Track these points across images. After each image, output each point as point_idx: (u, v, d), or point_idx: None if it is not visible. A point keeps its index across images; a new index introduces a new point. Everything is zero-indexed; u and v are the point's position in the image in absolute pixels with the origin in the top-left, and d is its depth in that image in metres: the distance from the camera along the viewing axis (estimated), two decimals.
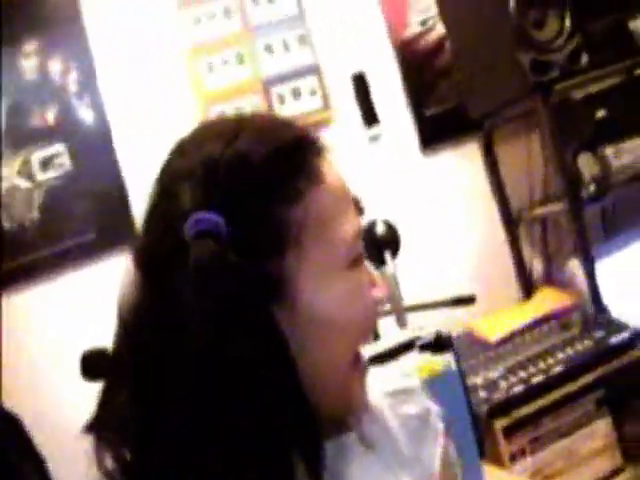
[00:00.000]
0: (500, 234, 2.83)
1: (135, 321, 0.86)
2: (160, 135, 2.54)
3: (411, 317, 2.15)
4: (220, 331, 0.78)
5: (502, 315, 2.55)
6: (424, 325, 2.12)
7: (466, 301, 2.50)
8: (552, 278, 2.79)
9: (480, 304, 2.43)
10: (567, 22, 2.42)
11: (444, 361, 1.89)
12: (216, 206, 0.81)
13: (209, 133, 0.90)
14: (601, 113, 2.48)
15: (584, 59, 2.43)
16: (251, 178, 0.84)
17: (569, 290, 2.58)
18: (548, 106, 2.43)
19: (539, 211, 2.76)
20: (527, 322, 2.42)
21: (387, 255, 2.20)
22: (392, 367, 1.63)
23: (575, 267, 2.59)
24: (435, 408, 1.09)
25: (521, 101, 2.52)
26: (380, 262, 2.18)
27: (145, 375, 0.84)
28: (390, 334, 1.95)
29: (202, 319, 0.78)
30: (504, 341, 2.37)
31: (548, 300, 2.55)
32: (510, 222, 2.81)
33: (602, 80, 2.56)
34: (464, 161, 2.88)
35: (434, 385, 1.78)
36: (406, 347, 1.99)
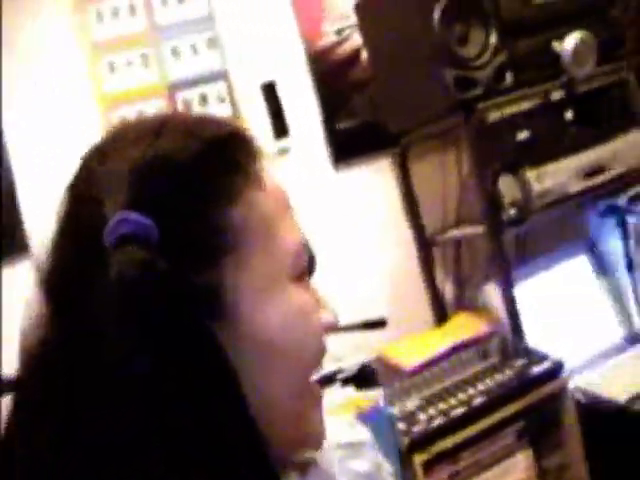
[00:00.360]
0: (413, 255, 2.73)
1: (43, 361, 0.72)
2: (57, 140, 2.34)
3: None
4: (151, 359, 0.65)
5: (416, 341, 2.44)
6: (342, 355, 2.00)
7: (377, 324, 2.40)
8: (466, 303, 2.71)
9: (392, 328, 2.34)
10: (492, 39, 2.34)
11: (371, 397, 1.78)
12: (142, 209, 0.68)
13: (130, 134, 0.78)
14: (523, 135, 2.41)
15: (508, 78, 2.36)
16: (179, 177, 0.73)
17: (485, 315, 2.50)
18: (470, 125, 2.34)
19: (454, 233, 2.68)
20: (444, 349, 2.31)
21: None
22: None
23: (491, 292, 2.51)
24: (386, 465, 0.97)
25: (442, 118, 2.43)
26: None
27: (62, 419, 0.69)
28: None
29: (127, 344, 0.65)
30: (420, 369, 2.25)
31: (464, 326, 2.46)
32: (423, 243, 2.71)
33: (525, 101, 2.50)
34: (377, 178, 2.76)
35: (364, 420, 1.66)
36: (327, 381, 1.86)
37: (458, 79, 2.28)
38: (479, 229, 2.45)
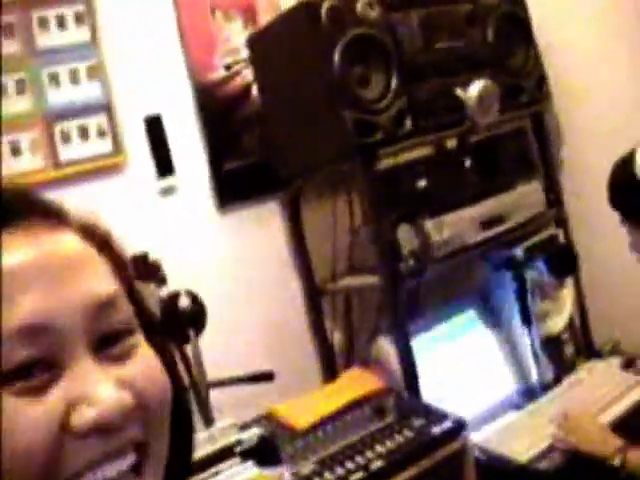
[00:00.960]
0: (302, 305, 2.60)
1: None
2: None
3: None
4: None
5: (308, 398, 2.29)
6: (232, 423, 1.84)
7: (264, 377, 2.26)
8: (358, 357, 2.59)
9: (281, 384, 2.21)
10: (393, 82, 2.26)
11: (274, 477, 1.62)
12: None
13: None
14: (423, 182, 2.33)
15: (408, 124, 2.28)
16: None
17: (378, 371, 2.38)
18: (368, 171, 2.24)
19: (345, 282, 2.56)
20: (338, 407, 2.18)
21: (191, 332, 1.93)
22: None
23: (385, 345, 2.41)
24: None
25: (338, 163, 2.32)
26: (182, 340, 1.90)
27: None
28: (201, 436, 1.64)
29: None
30: (313, 429, 2.11)
31: (357, 382, 2.32)
32: (313, 293, 2.58)
33: (425, 147, 2.43)
34: (266, 223, 2.62)
35: None
36: (225, 453, 1.68)
37: (358, 122, 2.17)
38: (374, 279, 2.35)
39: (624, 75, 2.61)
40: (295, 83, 2.35)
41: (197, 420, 1.78)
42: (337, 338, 2.64)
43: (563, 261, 2.30)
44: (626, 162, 1.88)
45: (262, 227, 2.61)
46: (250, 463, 1.66)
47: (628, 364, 2.52)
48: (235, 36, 2.66)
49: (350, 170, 2.34)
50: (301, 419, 2.15)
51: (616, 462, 1.89)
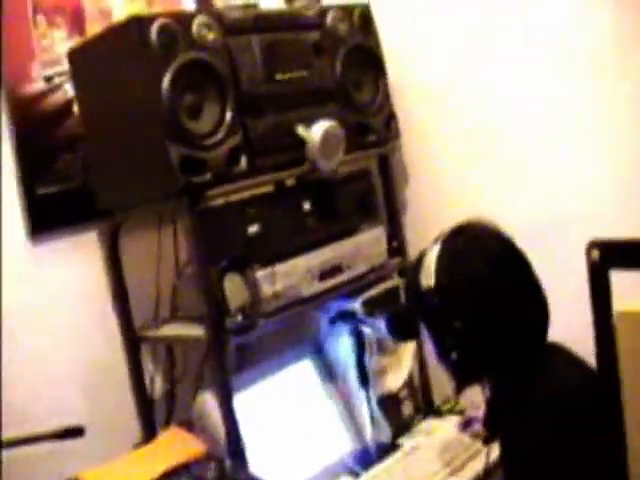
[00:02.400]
0: (119, 353, 2.33)
1: None
2: None
3: None
4: None
5: (120, 464, 2.04)
6: None
7: (73, 433, 2.00)
8: (180, 412, 2.35)
9: (92, 445, 1.96)
10: (228, 115, 2.03)
11: None
12: None
13: None
14: (255, 228, 2.11)
15: (243, 163, 2.05)
16: None
17: (200, 431, 2.15)
18: (194, 213, 2.00)
19: (167, 331, 2.31)
20: (154, 476, 1.94)
21: None
22: None
23: (209, 403, 2.18)
24: None
25: (162, 201, 2.08)
26: None
27: None
28: None
29: None
30: None
31: (176, 445, 2.09)
32: (131, 340, 2.32)
33: (260, 189, 2.20)
34: (83, 254, 2.33)
35: None
36: None
37: (185, 159, 1.93)
38: (199, 331, 2.12)
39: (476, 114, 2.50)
40: (119, 107, 2.08)
41: None
42: (158, 392, 2.39)
43: (405, 324, 2.14)
44: (416, 267, 1.76)
45: (80, 259, 2.33)
46: None
47: (466, 425, 2.39)
48: (58, 45, 2.36)
49: (175, 210, 2.10)
50: None
51: None
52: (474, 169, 2.52)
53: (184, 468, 2.00)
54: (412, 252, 2.56)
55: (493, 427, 1.78)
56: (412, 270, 1.80)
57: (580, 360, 1.73)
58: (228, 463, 2.01)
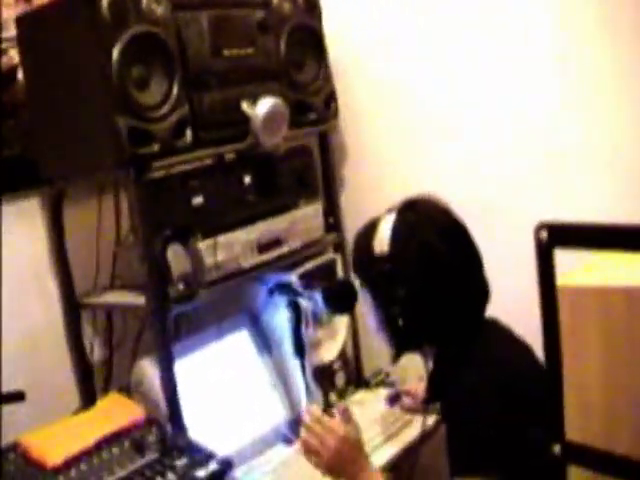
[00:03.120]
0: (58, 319, 2.35)
1: None
2: None
3: None
4: None
5: (61, 427, 2.07)
6: None
7: (13, 398, 2.02)
8: (118, 379, 2.38)
9: (33, 406, 1.98)
10: (175, 88, 2.06)
11: None
12: None
13: None
14: (198, 200, 2.15)
15: (188, 136, 2.09)
16: None
17: (140, 397, 2.19)
18: (140, 184, 2.03)
19: (108, 298, 2.33)
20: (94, 440, 1.96)
21: None
22: None
23: (148, 369, 2.22)
24: None
25: (107, 171, 2.10)
26: None
27: None
28: None
29: None
30: (66, 466, 1.88)
31: (116, 410, 2.12)
32: (72, 307, 2.34)
33: (204, 162, 2.25)
34: (24, 222, 2.32)
35: None
36: None
37: (132, 130, 1.96)
38: (140, 299, 2.15)
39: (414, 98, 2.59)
40: (67, 76, 2.08)
41: None
42: (97, 357, 2.41)
43: (341, 297, 2.22)
44: (368, 233, 1.83)
45: (20, 226, 2.32)
46: None
47: (394, 398, 2.48)
48: (4, 9, 2.34)
49: (120, 180, 2.13)
50: (53, 453, 1.93)
51: None
52: (409, 151, 2.62)
53: (125, 433, 2.04)
54: (347, 229, 2.66)
55: (434, 392, 1.87)
56: (363, 237, 1.86)
57: (515, 334, 1.85)
58: (168, 429, 2.06)
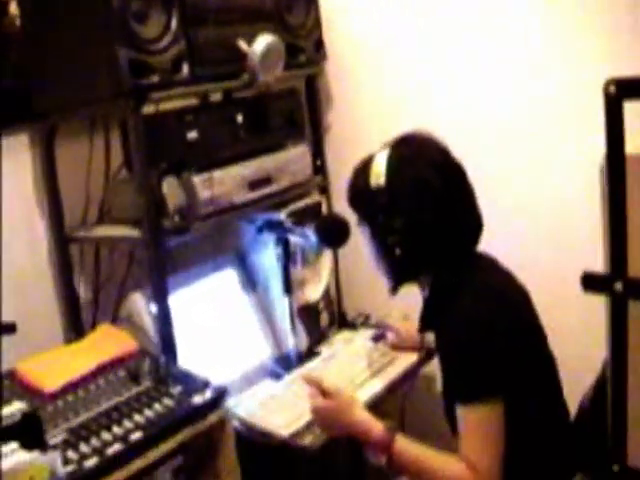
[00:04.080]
0: (46, 252, 2.35)
1: None
2: None
3: None
4: None
5: (55, 355, 2.08)
6: None
7: (5, 329, 2.02)
8: (104, 313, 2.40)
9: (20, 339, 1.98)
10: (173, 23, 2.08)
11: (45, 464, 1.42)
12: None
13: None
14: (193, 134, 2.18)
15: (185, 69, 2.11)
16: None
17: (131, 330, 2.21)
18: (138, 115, 2.05)
19: (99, 232, 2.34)
20: (90, 368, 1.98)
21: None
22: None
23: (139, 303, 2.24)
24: None
25: (106, 103, 2.10)
26: None
27: None
28: None
29: None
30: (63, 392, 1.90)
31: (109, 340, 2.13)
32: (62, 240, 2.34)
33: (200, 97, 2.28)
34: (13, 156, 2.28)
35: None
36: None
37: (132, 61, 1.97)
38: (133, 232, 2.17)
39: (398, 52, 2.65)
40: (66, 8, 2.08)
41: None
42: (85, 292, 2.42)
43: (334, 230, 2.26)
44: (365, 167, 1.89)
45: (8, 161, 2.30)
46: (14, 445, 1.45)
47: (381, 337, 2.55)
48: None
49: (118, 112, 2.14)
50: (49, 380, 1.94)
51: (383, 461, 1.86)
52: (392, 102, 2.68)
53: (119, 362, 2.06)
54: (331, 173, 2.71)
55: (429, 320, 1.92)
56: (360, 172, 1.91)
57: (501, 265, 1.92)
58: (162, 358, 2.09)
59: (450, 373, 1.79)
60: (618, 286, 1.14)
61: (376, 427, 1.85)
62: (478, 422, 1.71)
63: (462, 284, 1.81)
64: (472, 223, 1.90)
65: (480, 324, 1.73)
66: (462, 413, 1.73)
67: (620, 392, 1.16)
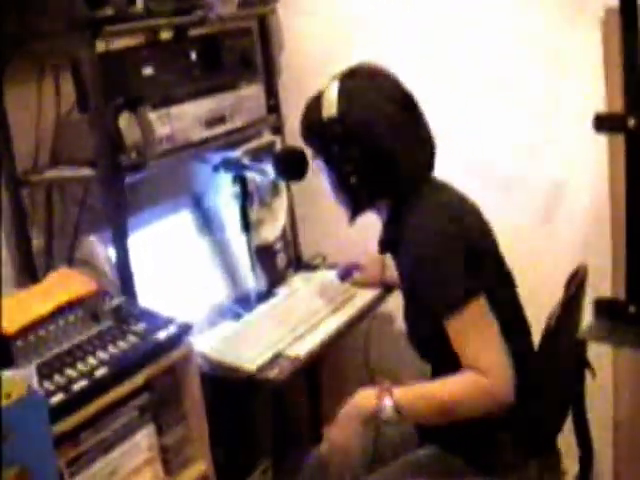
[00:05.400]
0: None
1: None
2: None
3: None
4: None
5: (13, 299, 2.02)
6: None
7: None
8: (58, 257, 2.34)
9: None
10: None
11: (22, 380, 1.39)
12: None
13: None
14: (149, 70, 2.13)
15: (139, 3, 2.06)
16: None
17: (87, 272, 2.16)
18: (92, 49, 1.99)
19: (52, 174, 2.27)
20: (49, 310, 1.93)
21: None
22: None
23: (95, 245, 2.20)
24: None
25: (59, 36, 2.02)
26: None
27: None
28: None
29: None
30: (23, 333, 1.85)
31: (67, 283, 2.07)
32: (14, 184, 2.25)
33: (155, 32, 2.23)
34: None
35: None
36: None
37: None
38: (88, 172, 2.12)
39: None
40: None
41: None
42: (36, 235, 2.35)
43: (293, 162, 2.23)
44: (316, 101, 1.90)
45: None
46: None
47: (346, 274, 2.55)
48: None
49: (71, 46, 2.07)
50: (7, 323, 1.88)
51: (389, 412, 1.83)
52: (345, 39, 2.66)
53: (78, 302, 2.00)
54: (285, 112, 2.69)
55: (388, 242, 1.95)
56: (312, 105, 1.93)
57: (463, 194, 1.94)
58: (122, 298, 2.05)
59: (425, 291, 1.79)
60: (631, 122, 1.15)
61: (369, 389, 1.83)
62: (470, 325, 1.72)
63: (418, 204, 1.83)
64: (426, 148, 1.93)
65: (442, 233, 1.76)
66: (451, 325, 1.73)
67: (637, 229, 1.16)
